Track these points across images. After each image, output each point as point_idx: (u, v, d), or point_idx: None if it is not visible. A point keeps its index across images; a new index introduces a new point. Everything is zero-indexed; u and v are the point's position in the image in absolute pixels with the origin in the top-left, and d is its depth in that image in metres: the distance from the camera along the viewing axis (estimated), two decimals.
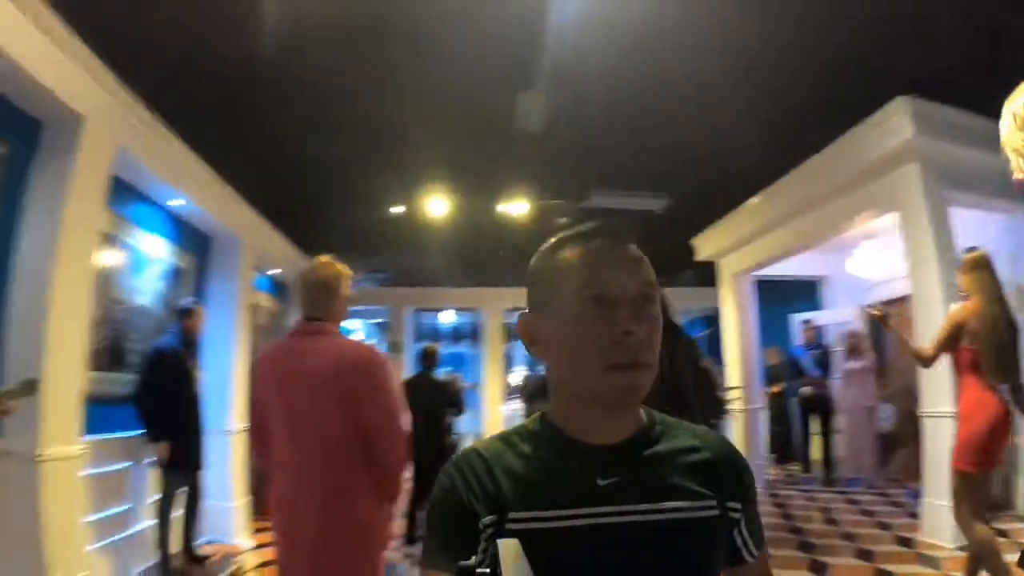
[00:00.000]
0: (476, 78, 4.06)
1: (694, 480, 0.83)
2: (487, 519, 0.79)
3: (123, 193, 3.98)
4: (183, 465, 3.98)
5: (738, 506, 0.86)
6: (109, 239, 3.87)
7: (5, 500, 2.68)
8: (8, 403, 2.35)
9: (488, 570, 0.50)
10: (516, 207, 6.33)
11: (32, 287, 3.05)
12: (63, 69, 2.99)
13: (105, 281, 3.87)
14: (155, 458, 3.90)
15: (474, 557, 0.77)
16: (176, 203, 4.61)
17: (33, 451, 2.85)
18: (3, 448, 2.81)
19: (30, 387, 2.40)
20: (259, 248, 5.88)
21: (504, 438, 0.89)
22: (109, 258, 3.94)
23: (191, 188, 4.52)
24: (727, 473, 0.87)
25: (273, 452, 2.09)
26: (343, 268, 2.23)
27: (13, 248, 3.07)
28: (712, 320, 8.54)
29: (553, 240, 0.89)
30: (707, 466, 0.86)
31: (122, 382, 3.95)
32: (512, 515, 0.79)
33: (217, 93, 4.12)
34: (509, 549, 0.52)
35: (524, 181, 5.80)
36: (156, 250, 4.56)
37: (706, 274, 7.61)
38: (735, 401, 5.40)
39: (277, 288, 7.27)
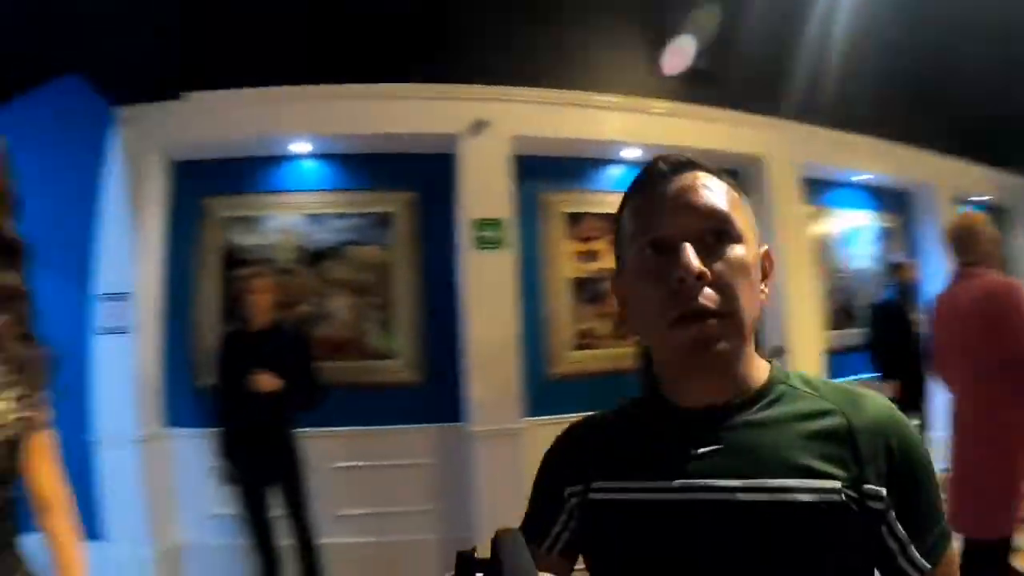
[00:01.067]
0: None
1: (816, 453, 0.67)
2: (571, 488, 0.78)
3: (817, 189, 5.02)
4: (910, 402, 4.46)
5: (881, 492, 0.66)
6: (816, 229, 4.96)
7: None
8: None
9: (488, 558, 0.51)
10: None
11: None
12: (745, 133, 4.31)
13: (826, 259, 4.99)
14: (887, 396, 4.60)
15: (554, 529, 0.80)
16: (864, 178, 5.34)
17: None
18: None
19: (778, 352, 3.69)
20: (956, 186, 5.86)
21: (621, 404, 0.85)
22: (823, 240, 5.03)
23: (873, 161, 5.16)
24: (868, 447, 0.67)
25: (945, 368, 2.72)
26: (977, 216, 2.68)
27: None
28: None
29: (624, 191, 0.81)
30: (839, 435, 0.68)
31: (854, 336, 4.93)
32: (596, 484, 0.76)
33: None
34: (509, 541, 0.51)
35: None
36: (860, 221, 5.40)
37: None
38: None
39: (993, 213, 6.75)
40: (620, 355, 3.83)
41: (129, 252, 3.67)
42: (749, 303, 0.69)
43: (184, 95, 3.70)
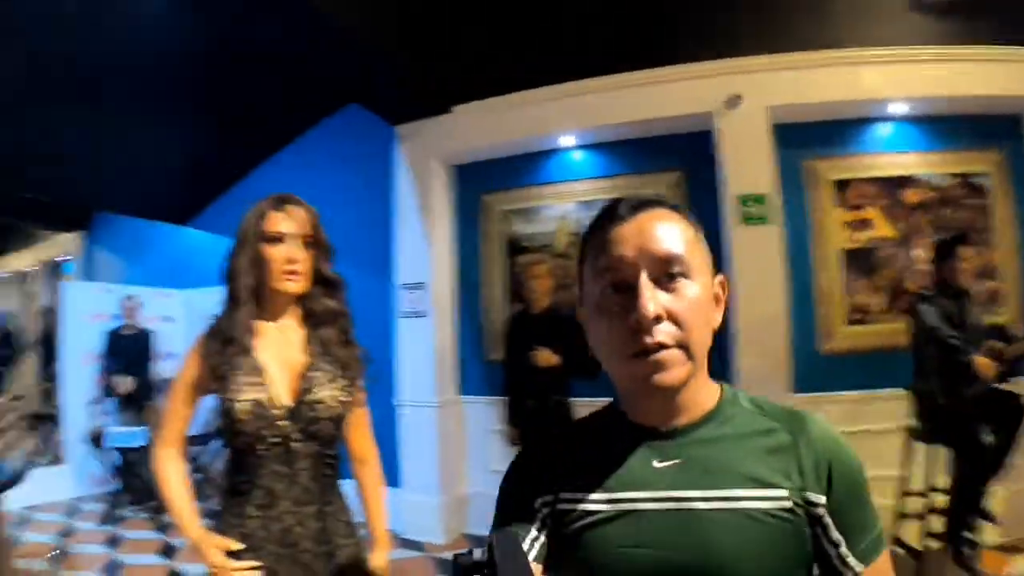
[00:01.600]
0: None
1: (764, 466, 0.76)
2: (542, 499, 0.84)
3: None
4: None
5: (821, 500, 0.75)
6: None
7: None
8: None
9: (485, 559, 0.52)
10: None
11: None
12: None
13: None
14: None
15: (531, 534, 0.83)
16: None
17: None
18: None
19: None
20: None
21: (580, 421, 0.93)
22: None
23: None
24: (808, 459, 0.77)
25: None
26: None
27: None
28: None
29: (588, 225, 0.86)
30: (782, 450, 0.78)
31: None
32: (564, 495, 0.82)
33: None
34: (504, 544, 0.52)
35: None
36: None
37: None
38: None
39: None
40: (896, 331, 3.60)
41: (422, 247, 4.25)
42: (701, 335, 0.76)
43: (453, 108, 4.18)
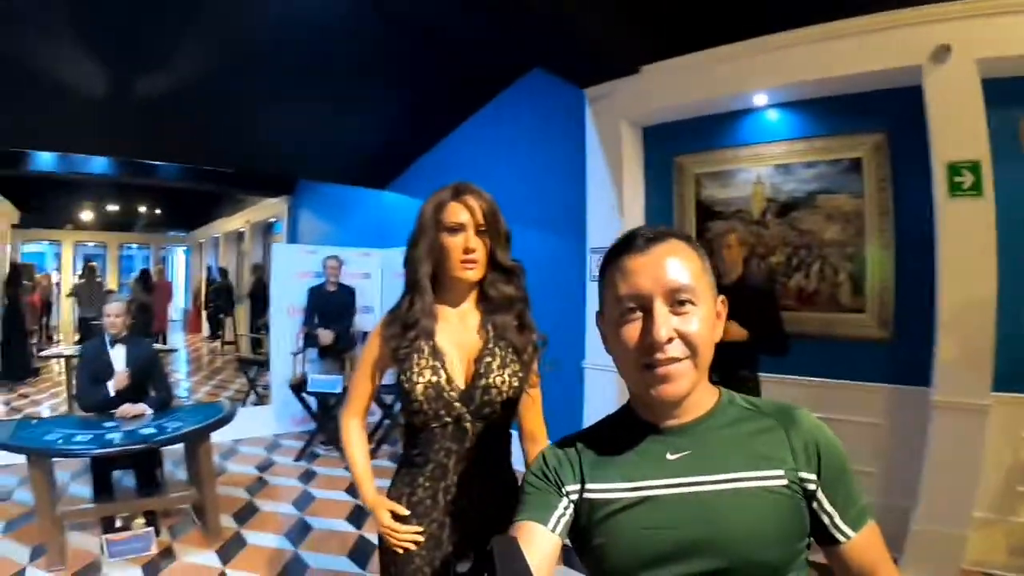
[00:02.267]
0: None
1: (762, 452, 0.89)
2: (570, 487, 0.95)
3: None
4: None
5: (812, 477, 0.88)
6: None
7: None
8: None
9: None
10: None
11: None
12: None
13: None
14: None
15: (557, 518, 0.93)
16: None
17: None
18: None
19: None
20: None
21: (596, 424, 1.04)
22: None
23: None
24: (799, 444, 0.89)
25: None
26: None
27: None
28: None
29: (607, 249, 0.97)
30: (776, 439, 0.90)
31: None
32: (590, 486, 0.94)
33: None
34: (506, 549, 0.54)
35: None
36: None
37: None
38: None
39: None
40: None
41: (614, 211, 4.26)
42: (706, 350, 0.88)
43: (641, 68, 4.12)
